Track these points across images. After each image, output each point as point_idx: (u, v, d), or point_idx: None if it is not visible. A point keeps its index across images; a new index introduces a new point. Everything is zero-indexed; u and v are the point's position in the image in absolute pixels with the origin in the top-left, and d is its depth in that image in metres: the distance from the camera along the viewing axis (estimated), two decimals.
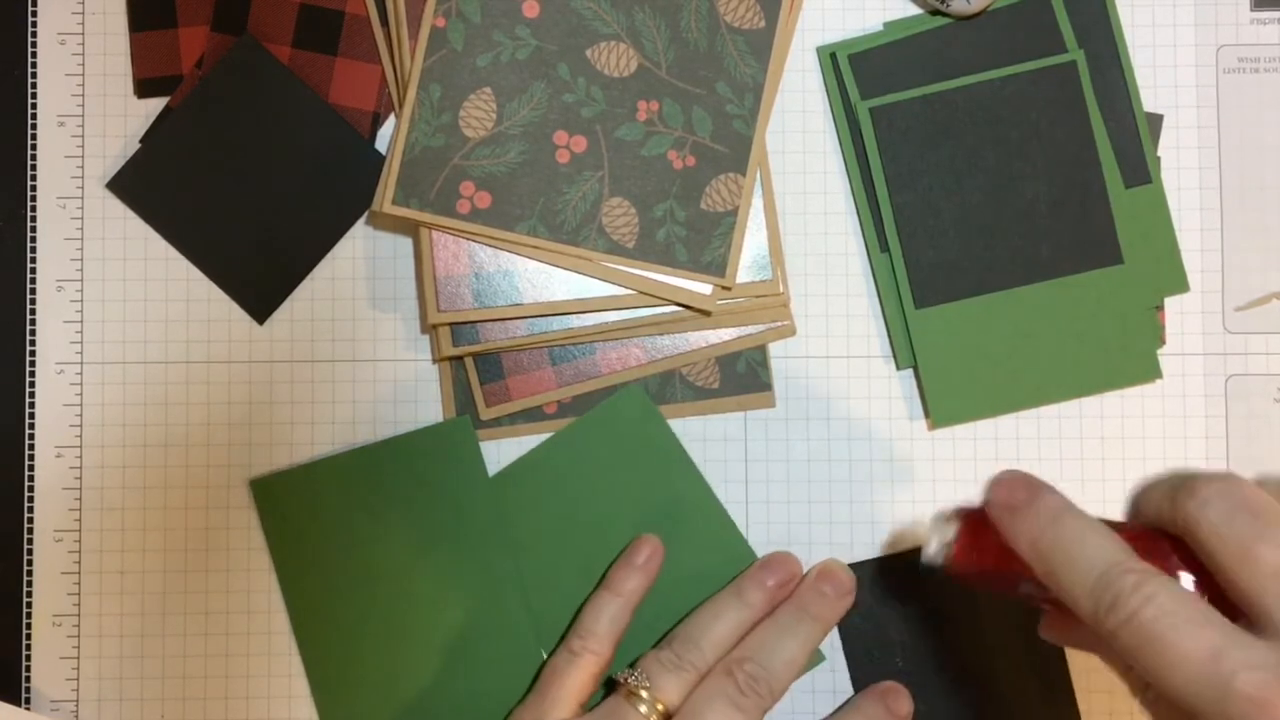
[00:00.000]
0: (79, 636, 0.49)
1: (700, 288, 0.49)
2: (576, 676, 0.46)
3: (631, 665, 0.46)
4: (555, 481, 0.49)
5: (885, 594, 0.50)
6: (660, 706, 0.44)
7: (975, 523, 0.40)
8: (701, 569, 0.49)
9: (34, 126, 0.51)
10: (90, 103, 0.51)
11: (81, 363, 0.50)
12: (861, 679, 0.49)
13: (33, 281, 0.50)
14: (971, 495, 0.50)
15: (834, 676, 0.50)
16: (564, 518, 0.49)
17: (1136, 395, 0.51)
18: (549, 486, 0.49)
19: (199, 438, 0.50)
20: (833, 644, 0.50)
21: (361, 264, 0.51)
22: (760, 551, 0.50)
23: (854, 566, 0.49)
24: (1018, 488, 0.38)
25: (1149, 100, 0.51)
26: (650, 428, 0.49)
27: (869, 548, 0.50)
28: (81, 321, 0.50)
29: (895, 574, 0.50)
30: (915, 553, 0.50)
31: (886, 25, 0.51)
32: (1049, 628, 0.42)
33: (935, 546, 0.41)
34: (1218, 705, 0.32)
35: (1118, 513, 0.39)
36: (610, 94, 0.49)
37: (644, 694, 0.44)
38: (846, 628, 0.49)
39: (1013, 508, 0.38)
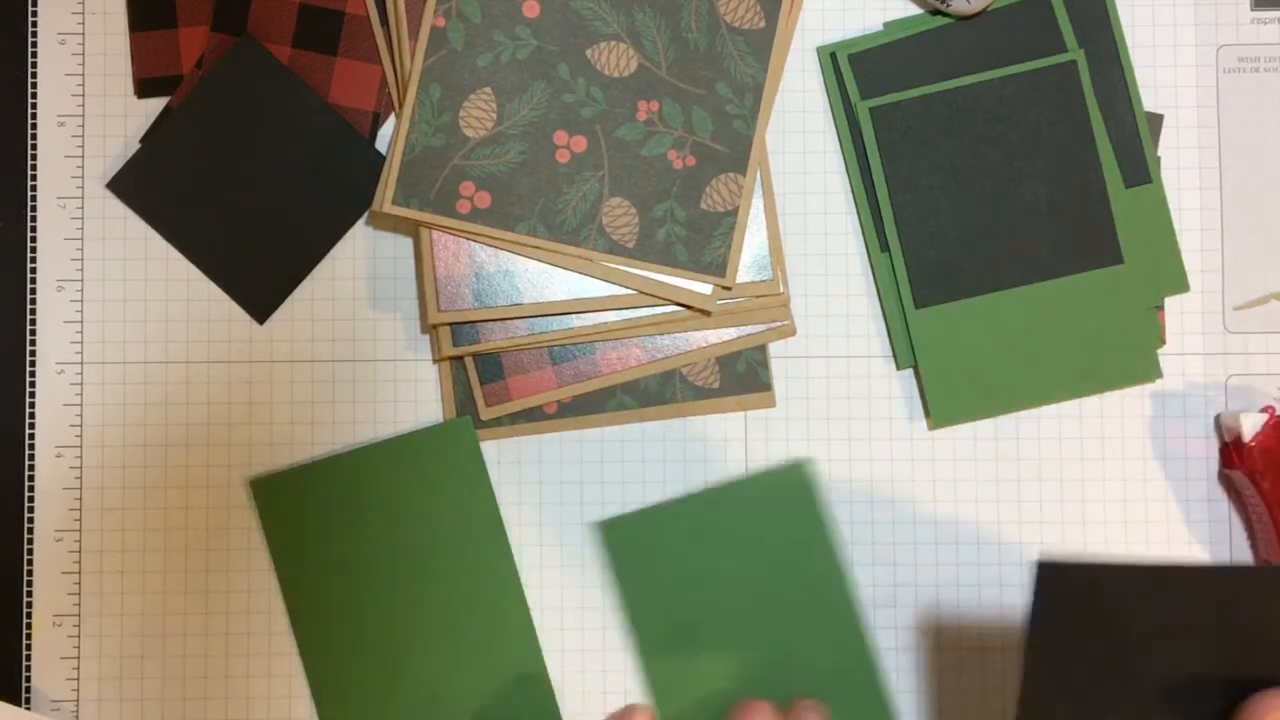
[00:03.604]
0: (79, 636, 0.49)
1: (700, 288, 0.49)
2: None
3: None
4: (701, 530, 0.49)
5: None
6: None
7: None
8: (819, 665, 0.49)
9: (34, 126, 0.51)
10: (90, 103, 0.51)
11: (81, 363, 0.50)
12: None
13: (33, 281, 0.50)
14: (971, 495, 0.50)
15: None
16: (704, 569, 0.49)
17: (1136, 395, 0.51)
18: (697, 533, 0.49)
19: (199, 438, 0.50)
20: None
21: (361, 264, 0.51)
22: None
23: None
24: None
25: (1149, 100, 0.51)
26: (811, 506, 0.49)
27: (868, 548, 0.50)
28: (81, 321, 0.50)
29: None
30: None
31: (886, 25, 0.51)
32: None
33: (1247, 428, 0.48)
34: None
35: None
36: (610, 94, 0.49)
37: None
38: None
39: None
